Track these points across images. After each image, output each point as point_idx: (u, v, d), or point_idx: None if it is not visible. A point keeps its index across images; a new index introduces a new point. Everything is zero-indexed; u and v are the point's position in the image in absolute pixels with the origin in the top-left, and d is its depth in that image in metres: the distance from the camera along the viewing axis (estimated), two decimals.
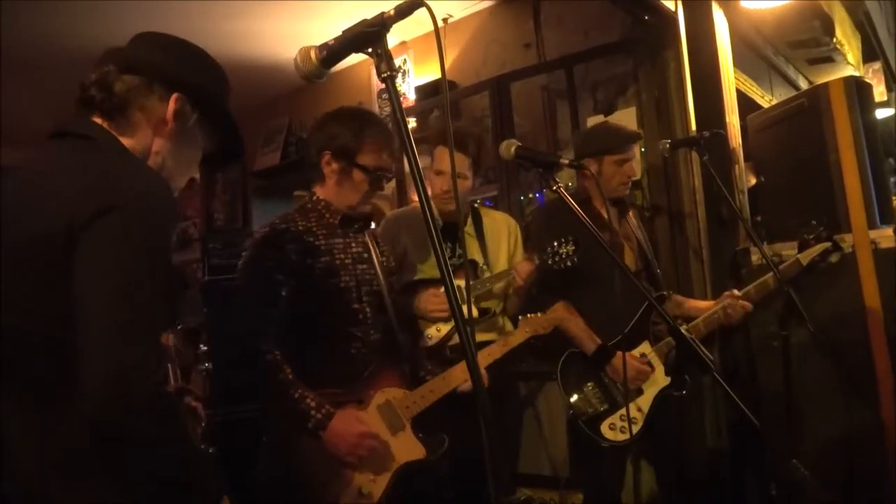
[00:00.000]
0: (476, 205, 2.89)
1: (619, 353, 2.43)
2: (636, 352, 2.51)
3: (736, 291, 2.58)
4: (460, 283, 2.44)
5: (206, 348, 3.35)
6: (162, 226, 1.15)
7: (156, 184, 1.19)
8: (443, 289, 2.53)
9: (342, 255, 2.09)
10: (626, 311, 2.43)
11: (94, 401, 1.03)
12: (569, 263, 2.40)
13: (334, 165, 2.08)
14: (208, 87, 1.39)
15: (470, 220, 2.73)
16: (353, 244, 2.15)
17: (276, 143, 5.24)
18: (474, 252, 2.61)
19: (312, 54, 1.18)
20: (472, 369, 1.11)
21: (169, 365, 3.22)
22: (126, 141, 1.28)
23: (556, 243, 2.41)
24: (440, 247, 1.10)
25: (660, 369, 2.50)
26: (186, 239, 5.61)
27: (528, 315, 2.37)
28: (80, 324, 1.05)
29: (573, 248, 2.40)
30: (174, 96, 1.32)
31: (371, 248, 2.18)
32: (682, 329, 1.74)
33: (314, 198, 2.14)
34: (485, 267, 2.62)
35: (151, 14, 3.62)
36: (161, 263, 1.13)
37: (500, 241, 2.73)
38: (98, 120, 1.29)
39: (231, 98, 1.46)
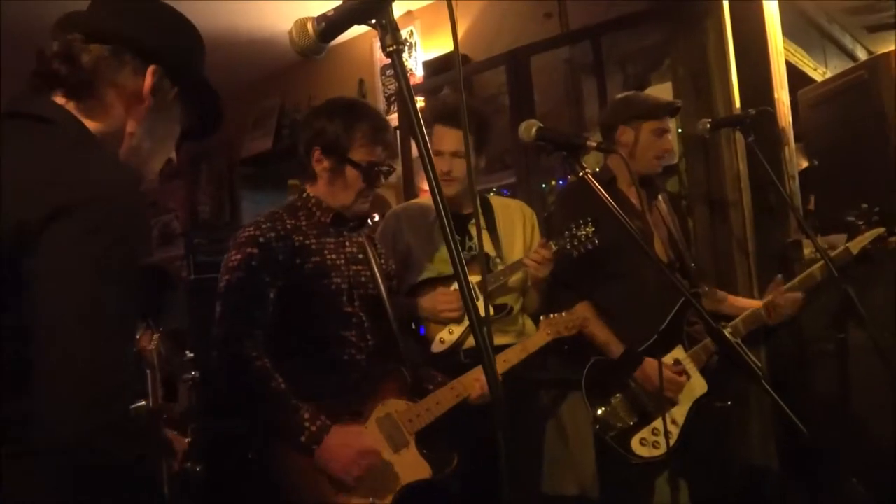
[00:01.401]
0: (491, 193, 2.89)
1: (649, 360, 2.43)
2: (669, 357, 2.50)
3: (780, 278, 2.57)
4: (475, 278, 2.47)
5: (192, 355, 3.37)
6: (130, 228, 1.11)
7: (123, 179, 1.15)
8: (453, 286, 2.55)
9: (334, 256, 2.13)
10: (657, 309, 2.43)
11: (60, 423, 1.03)
12: (589, 247, 2.39)
13: (325, 163, 2.12)
14: (187, 54, 1.36)
15: (479, 211, 2.73)
16: (348, 244, 2.18)
17: (267, 126, 5.26)
18: (487, 247, 2.62)
19: (309, 27, 1.18)
20: (490, 375, 1.12)
21: (148, 372, 3.24)
22: (93, 125, 1.23)
23: (573, 226, 2.41)
24: (453, 236, 1.10)
25: (696, 377, 2.49)
26: (169, 234, 5.66)
27: (551, 315, 2.38)
28: (38, 341, 1.03)
29: (593, 229, 2.39)
30: (151, 69, 1.28)
31: (368, 248, 2.21)
32: (726, 331, 1.74)
33: (304, 195, 2.19)
34: (498, 260, 2.62)
35: None
36: (129, 271, 1.11)
37: (515, 230, 2.73)
38: (60, 99, 1.23)
39: (215, 74, 1.44)
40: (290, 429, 1.91)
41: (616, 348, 2.51)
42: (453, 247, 1.10)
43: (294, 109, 5.09)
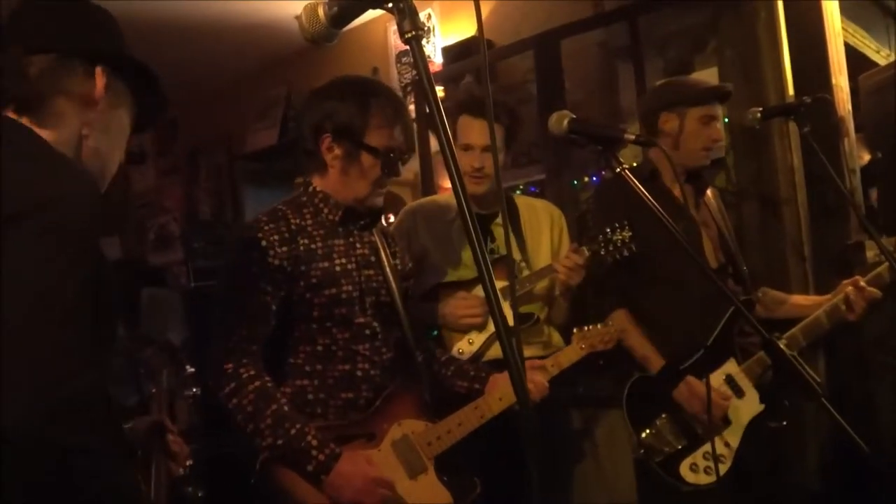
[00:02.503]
0: (517, 192, 2.89)
1: (690, 378, 2.41)
2: (720, 373, 2.48)
3: (860, 278, 2.53)
4: (500, 283, 2.45)
5: (192, 370, 3.40)
6: (83, 230, 1.19)
7: (75, 184, 1.23)
8: (474, 291, 2.55)
9: (343, 260, 2.09)
10: (705, 319, 2.41)
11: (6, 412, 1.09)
12: (625, 253, 2.39)
13: (337, 150, 2.06)
14: (122, 45, 1.43)
15: (506, 210, 2.71)
16: (359, 245, 2.15)
17: (272, 118, 5.29)
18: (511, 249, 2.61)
19: (320, 11, 1.19)
20: (520, 392, 1.11)
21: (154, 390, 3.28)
22: (47, 133, 1.30)
23: (608, 230, 2.40)
24: (478, 237, 1.10)
25: (751, 394, 2.47)
26: (166, 237, 5.70)
27: (586, 328, 2.37)
28: None
29: (630, 233, 2.38)
30: (98, 70, 1.35)
31: (381, 248, 2.19)
32: (781, 343, 1.72)
33: (310, 189, 2.13)
34: (523, 265, 2.62)
35: None
36: (83, 270, 1.18)
37: (541, 233, 2.72)
38: (11, 114, 1.30)
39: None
40: (296, 456, 1.90)
41: (656, 363, 2.49)
42: (479, 249, 1.10)
43: (302, 100, 5.10)
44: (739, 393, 2.48)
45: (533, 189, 3.93)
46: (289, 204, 2.12)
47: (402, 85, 4.59)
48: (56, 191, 1.18)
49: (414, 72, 4.39)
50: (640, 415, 2.47)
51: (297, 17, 1.24)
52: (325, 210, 2.11)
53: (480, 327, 2.55)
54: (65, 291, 1.15)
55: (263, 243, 1.99)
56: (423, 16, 4.42)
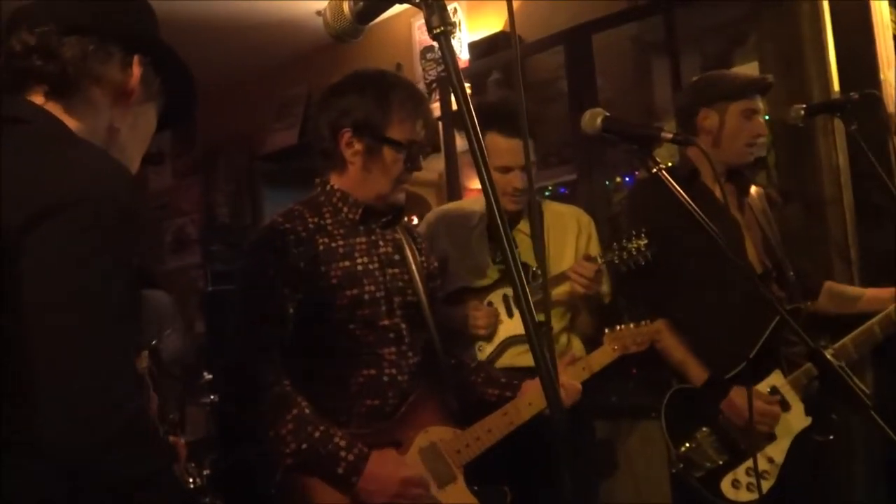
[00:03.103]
0: (546, 194, 2.88)
1: (738, 389, 2.39)
2: (765, 385, 2.46)
3: None
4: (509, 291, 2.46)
5: (210, 377, 3.44)
6: (123, 225, 1.16)
7: (111, 173, 1.19)
8: (487, 299, 2.59)
9: (365, 259, 2.08)
10: (749, 328, 2.38)
11: (61, 436, 1.07)
12: (641, 262, 2.39)
13: (357, 146, 2.06)
14: (160, 37, 1.41)
15: (526, 217, 2.71)
16: (381, 243, 2.13)
17: (292, 117, 5.33)
18: (528, 256, 2.59)
19: (345, 7, 1.20)
20: (553, 398, 1.10)
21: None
22: (75, 124, 1.27)
23: (623, 237, 2.39)
24: (510, 242, 1.11)
25: (797, 407, 2.44)
26: (183, 240, 5.76)
27: (618, 327, 2.35)
28: (30, 354, 1.08)
29: (646, 241, 2.37)
30: (136, 59, 1.32)
31: (406, 246, 2.17)
32: (828, 353, 1.70)
33: (328, 188, 2.12)
34: (539, 272, 2.61)
35: None
36: (125, 270, 1.16)
37: (565, 240, 2.71)
38: (38, 99, 1.27)
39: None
40: (323, 460, 1.88)
41: (696, 370, 2.47)
42: (510, 253, 1.10)
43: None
44: (785, 406, 2.45)
45: (563, 190, 3.92)
46: (306, 204, 2.11)
47: (427, 82, 4.60)
48: (92, 184, 1.15)
49: (439, 68, 4.39)
50: (680, 427, 2.45)
51: (321, 13, 1.24)
52: (345, 209, 2.10)
53: (487, 339, 2.57)
54: (111, 294, 1.12)
55: (279, 244, 1.99)
56: (449, 10, 4.43)
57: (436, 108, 4.47)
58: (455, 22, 4.43)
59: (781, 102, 3.10)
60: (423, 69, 4.61)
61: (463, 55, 4.32)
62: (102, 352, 1.11)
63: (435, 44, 1.21)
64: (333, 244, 2.05)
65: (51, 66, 1.26)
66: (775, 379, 2.47)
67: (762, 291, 1.80)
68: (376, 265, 2.09)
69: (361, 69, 2.18)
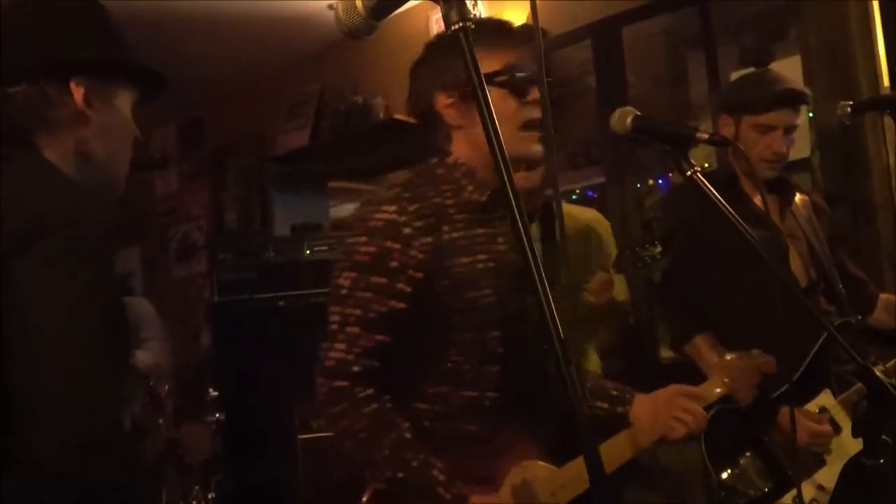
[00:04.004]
0: (573, 197, 2.87)
1: (787, 410, 2.35)
2: (813, 405, 2.43)
3: None
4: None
5: (216, 393, 3.44)
6: (100, 248, 1.25)
7: (84, 199, 1.29)
8: None
9: (484, 256, 1.85)
10: (795, 345, 2.35)
11: (38, 445, 1.18)
12: (657, 270, 2.39)
13: (449, 100, 1.85)
14: (101, 42, 1.43)
15: (537, 220, 2.69)
16: (500, 239, 1.90)
17: (303, 116, 5.33)
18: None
19: (358, 2, 1.20)
20: (582, 421, 1.10)
21: (162, 420, 3.34)
22: (49, 155, 1.36)
23: (637, 246, 2.37)
24: (533, 254, 1.10)
25: (849, 429, 2.41)
26: (189, 247, 5.79)
27: (728, 357, 2.21)
28: (16, 369, 1.19)
29: (660, 249, 2.33)
30: (73, 84, 1.37)
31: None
32: (878, 370, 1.67)
33: (449, 160, 1.88)
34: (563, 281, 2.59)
35: None
36: (105, 291, 1.25)
37: (582, 248, 2.70)
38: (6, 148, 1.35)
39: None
40: (419, 494, 1.73)
41: (746, 393, 2.42)
42: (535, 266, 1.09)
43: (336, 97, 5.14)
44: (836, 428, 2.42)
45: (591, 194, 3.91)
46: (425, 175, 1.88)
47: None
48: (67, 210, 1.24)
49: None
50: (722, 452, 2.41)
51: (333, 7, 1.24)
52: (470, 188, 1.85)
53: None
54: (90, 313, 1.21)
55: (407, 230, 1.76)
56: (468, 2, 4.43)
57: None
58: (475, 15, 4.42)
59: (826, 99, 3.07)
60: None
61: None
62: (80, 367, 1.19)
63: None
64: (455, 234, 1.82)
65: (5, 121, 1.34)
66: (825, 399, 2.44)
67: (808, 305, 1.77)
68: (492, 264, 1.87)
69: (440, 33, 1.98)
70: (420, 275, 1.76)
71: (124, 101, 1.46)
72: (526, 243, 1.09)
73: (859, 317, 2.62)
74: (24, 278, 1.19)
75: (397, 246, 1.75)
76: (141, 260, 6.10)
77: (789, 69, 3.30)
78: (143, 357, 3.50)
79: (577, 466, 1.88)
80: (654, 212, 3.53)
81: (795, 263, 2.58)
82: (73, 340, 1.20)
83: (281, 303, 4.24)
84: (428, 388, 1.84)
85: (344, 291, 1.77)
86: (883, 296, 2.75)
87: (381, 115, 4.74)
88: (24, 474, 1.20)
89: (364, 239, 1.77)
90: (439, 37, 1.95)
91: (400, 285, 1.76)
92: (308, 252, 4.40)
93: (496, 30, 1.88)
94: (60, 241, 1.21)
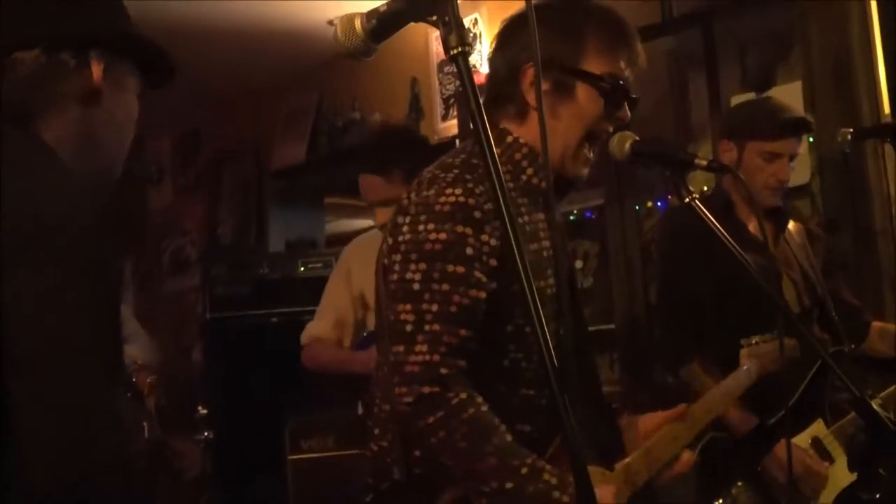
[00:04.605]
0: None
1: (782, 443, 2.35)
2: (805, 436, 2.43)
3: None
4: None
5: (205, 411, 3.44)
6: (91, 253, 1.17)
7: (78, 201, 1.19)
8: None
9: (546, 243, 1.76)
10: (788, 372, 2.36)
11: (32, 479, 1.09)
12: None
13: (544, 85, 1.65)
14: (121, 18, 1.38)
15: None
16: (549, 224, 1.81)
17: (300, 130, 5.33)
18: None
19: (357, 24, 1.18)
20: (572, 444, 1.10)
21: (145, 423, 3.30)
22: (50, 136, 1.27)
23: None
24: (525, 270, 1.10)
25: (841, 461, 2.41)
26: (182, 261, 5.78)
27: (753, 341, 2.17)
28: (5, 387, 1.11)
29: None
30: (93, 57, 1.30)
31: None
32: (875, 403, 1.67)
33: (508, 140, 1.76)
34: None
35: None
36: (99, 299, 1.17)
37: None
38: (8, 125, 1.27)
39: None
40: (531, 502, 1.61)
41: (741, 420, 2.44)
42: (527, 285, 1.09)
43: (334, 112, 5.16)
44: (828, 460, 2.42)
45: (589, 215, 3.91)
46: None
47: (445, 97, 4.62)
48: (55, 214, 1.14)
49: (457, 83, 4.41)
50: (712, 481, 2.42)
51: (332, 24, 1.24)
52: (530, 170, 1.76)
53: None
54: (80, 332, 1.13)
55: (478, 214, 1.62)
56: (468, 21, 4.44)
57: (453, 125, 4.49)
58: (474, 33, 4.45)
59: (827, 125, 3.09)
60: (441, 83, 4.62)
61: (483, 69, 4.33)
62: (70, 390, 1.12)
63: None
64: (521, 219, 1.72)
65: (8, 93, 1.25)
66: (817, 429, 2.44)
67: (804, 332, 1.78)
68: (550, 252, 1.78)
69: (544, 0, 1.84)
70: (494, 262, 1.63)
71: (134, 86, 1.39)
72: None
73: (853, 345, 2.64)
74: (14, 288, 1.10)
75: (469, 231, 1.61)
76: (133, 273, 6.09)
77: (790, 94, 3.32)
78: (129, 350, 3.44)
79: (628, 467, 1.82)
80: (652, 234, 3.53)
81: (789, 291, 2.59)
82: (64, 358, 1.13)
83: (274, 319, 4.25)
84: (490, 387, 1.68)
85: (416, 286, 1.61)
86: (876, 323, 2.76)
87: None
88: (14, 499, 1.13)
89: (432, 226, 1.62)
90: (552, 7, 1.80)
91: (478, 273, 1.62)
92: (302, 268, 4.41)
93: (618, 31, 1.77)
94: (52, 248, 1.12)
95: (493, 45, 1.86)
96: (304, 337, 3.01)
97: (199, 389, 3.65)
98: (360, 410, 2.79)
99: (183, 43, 4.81)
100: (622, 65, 1.76)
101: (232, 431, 3.76)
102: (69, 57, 1.28)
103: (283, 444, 3.51)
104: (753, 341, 2.20)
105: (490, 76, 1.85)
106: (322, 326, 2.99)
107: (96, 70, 1.30)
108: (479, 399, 1.60)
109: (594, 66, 1.73)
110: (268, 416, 3.64)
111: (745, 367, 2.16)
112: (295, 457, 3.52)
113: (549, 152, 1.68)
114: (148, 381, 3.43)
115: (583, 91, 1.74)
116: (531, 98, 1.73)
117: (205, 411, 3.44)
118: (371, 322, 2.85)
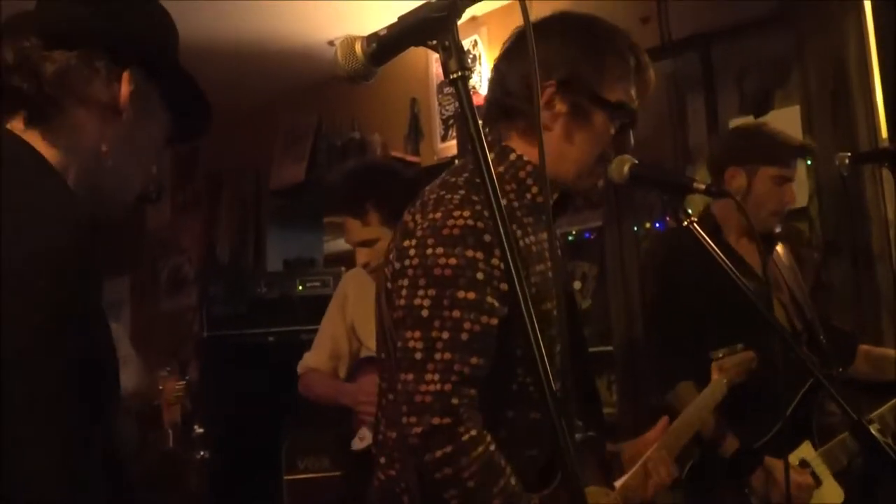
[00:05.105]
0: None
1: (771, 461, 2.35)
2: (794, 457, 2.42)
3: None
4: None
5: (201, 430, 3.43)
6: (64, 295, 1.09)
7: (55, 229, 1.12)
8: None
9: (551, 263, 1.74)
10: (778, 394, 2.36)
11: None
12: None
13: (560, 106, 1.71)
14: (164, 46, 1.36)
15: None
16: (556, 243, 1.79)
17: (300, 150, 5.34)
18: None
19: (358, 48, 1.18)
20: (571, 472, 1.09)
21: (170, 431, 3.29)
22: (53, 153, 1.22)
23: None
24: (525, 296, 1.10)
25: (829, 483, 2.41)
26: (179, 280, 5.77)
27: (720, 354, 2.24)
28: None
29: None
30: (126, 74, 1.27)
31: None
32: (873, 428, 1.68)
33: (512, 157, 1.73)
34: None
35: None
36: (62, 340, 1.08)
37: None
38: (19, 125, 1.23)
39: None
40: None
41: (726, 440, 2.44)
42: (525, 307, 1.10)
43: (334, 132, 5.17)
44: (816, 481, 2.41)
45: (587, 236, 3.92)
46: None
47: (444, 118, 4.64)
48: (26, 241, 1.08)
49: (457, 104, 4.42)
50: (700, 501, 2.42)
51: (332, 44, 1.25)
52: (535, 189, 1.73)
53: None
54: (48, 380, 1.05)
55: (487, 237, 1.56)
56: (468, 42, 4.47)
57: (452, 145, 4.52)
58: (474, 55, 4.47)
59: (825, 149, 3.10)
60: (440, 104, 4.65)
61: (482, 90, 4.35)
62: (33, 447, 1.05)
63: None
64: (527, 238, 1.70)
65: (30, 87, 1.21)
66: (805, 451, 2.44)
67: (800, 355, 1.79)
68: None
69: (563, 13, 1.81)
70: (505, 286, 1.56)
71: (160, 120, 1.35)
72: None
73: (840, 368, 2.64)
74: None
75: (480, 255, 1.57)
76: (130, 290, 6.09)
77: (788, 118, 3.34)
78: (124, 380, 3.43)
79: (626, 487, 1.84)
80: (646, 259, 3.54)
81: (779, 314, 2.60)
82: (22, 419, 1.03)
83: (271, 338, 4.25)
84: (500, 412, 1.65)
85: (425, 312, 1.56)
86: (863, 346, 2.77)
87: (379, 152, 4.78)
88: None
89: (441, 250, 1.57)
90: (551, 20, 1.78)
91: (489, 299, 1.57)
92: (300, 287, 4.41)
93: (637, 60, 1.77)
94: (9, 285, 1.04)
95: (506, 53, 1.81)
96: (301, 367, 3.04)
97: (195, 408, 3.63)
98: (357, 446, 2.78)
99: (183, 61, 4.86)
100: (633, 94, 1.76)
101: (228, 451, 3.75)
102: (102, 66, 1.25)
103: (279, 463, 3.51)
104: (720, 355, 2.24)
105: (500, 85, 1.79)
106: (318, 357, 3.02)
107: (125, 87, 1.27)
108: (489, 438, 1.56)
109: (611, 93, 1.72)
110: (264, 436, 3.63)
111: (715, 380, 2.22)
112: (291, 477, 3.51)
113: (561, 175, 1.73)
114: (176, 386, 3.42)
115: (599, 118, 1.73)
116: (546, 118, 1.70)
117: (201, 430, 3.44)
118: (364, 353, 2.88)
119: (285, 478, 3.51)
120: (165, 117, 1.36)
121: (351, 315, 2.88)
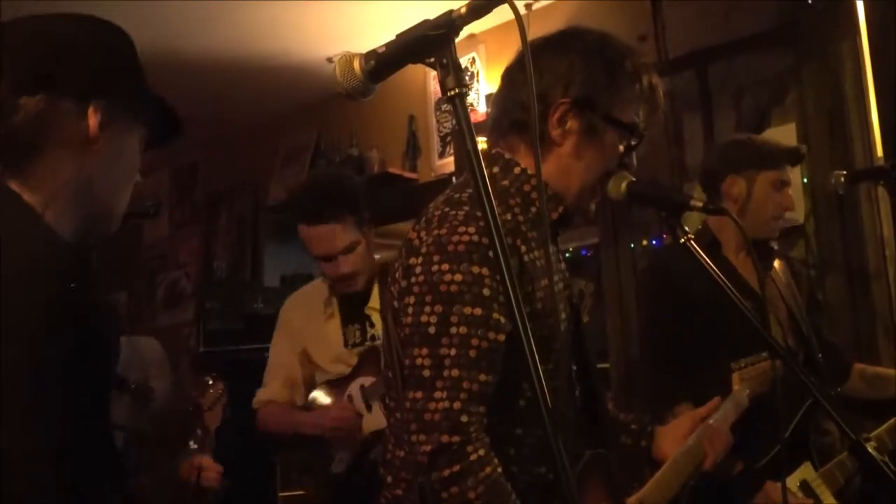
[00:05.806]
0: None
1: (772, 485, 2.34)
2: (794, 478, 2.40)
3: None
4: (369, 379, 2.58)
5: (196, 446, 3.40)
6: (33, 320, 1.11)
7: (31, 262, 1.15)
8: (349, 389, 2.67)
9: (557, 277, 1.75)
10: (776, 413, 2.35)
11: None
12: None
13: (572, 123, 1.70)
14: (127, 69, 1.38)
15: (376, 289, 2.71)
16: (560, 257, 1.85)
17: (298, 165, 5.37)
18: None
19: (356, 65, 1.19)
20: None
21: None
22: (32, 195, 1.25)
23: None
24: (517, 301, 1.11)
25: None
26: (177, 295, 5.77)
27: (743, 363, 2.22)
28: None
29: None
30: (91, 107, 1.30)
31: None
32: (870, 446, 1.67)
33: (517, 171, 1.72)
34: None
35: None
36: (38, 371, 1.10)
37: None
38: None
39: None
40: None
41: (727, 460, 2.42)
42: (520, 318, 1.12)
43: (332, 148, 5.19)
44: (816, 501, 2.40)
45: (585, 252, 3.93)
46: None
47: (442, 134, 4.66)
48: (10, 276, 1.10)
49: (454, 121, 4.44)
50: None
51: (331, 61, 1.26)
52: (537, 202, 1.72)
53: (343, 442, 2.64)
54: (20, 395, 1.07)
55: (492, 253, 1.53)
56: (466, 60, 4.50)
57: (450, 162, 4.53)
58: (472, 72, 4.49)
59: (821, 167, 3.12)
60: (438, 120, 4.66)
61: (480, 107, 4.37)
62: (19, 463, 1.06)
63: None
64: (532, 253, 1.69)
65: (3, 135, 1.24)
66: (805, 472, 2.41)
67: (800, 374, 1.78)
68: (561, 286, 1.77)
69: (574, 28, 1.79)
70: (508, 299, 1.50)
71: (136, 133, 1.38)
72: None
73: (838, 388, 2.64)
74: None
75: (486, 271, 1.55)
76: (127, 305, 6.09)
77: (785, 137, 3.34)
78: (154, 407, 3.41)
79: (641, 501, 1.83)
80: (639, 279, 3.55)
81: (775, 331, 2.59)
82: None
83: (268, 354, 4.23)
84: (508, 430, 1.64)
85: (432, 329, 1.55)
86: (858, 365, 2.76)
87: (377, 168, 4.79)
88: None
89: (446, 266, 1.56)
90: (564, 36, 1.77)
91: (496, 315, 1.55)
92: None
93: (648, 82, 1.75)
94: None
95: (522, 63, 1.69)
96: (256, 402, 2.93)
97: (191, 424, 3.61)
98: (338, 469, 2.74)
99: (181, 78, 4.88)
100: (641, 115, 1.76)
101: (223, 467, 3.72)
102: (71, 105, 1.28)
103: (274, 479, 3.50)
104: (742, 364, 2.23)
105: (511, 97, 1.77)
106: (272, 389, 2.92)
107: (93, 121, 1.29)
108: (496, 460, 1.55)
109: (624, 113, 1.72)
110: (260, 452, 3.62)
111: (736, 391, 2.20)
112: (286, 493, 3.50)
113: (565, 190, 1.73)
114: (219, 385, 3.39)
115: (610, 137, 1.73)
116: (557, 135, 1.70)
117: (195, 446, 3.41)
118: (320, 377, 2.82)
119: (280, 494, 3.50)
120: (140, 128, 1.39)
121: (301, 341, 2.81)
